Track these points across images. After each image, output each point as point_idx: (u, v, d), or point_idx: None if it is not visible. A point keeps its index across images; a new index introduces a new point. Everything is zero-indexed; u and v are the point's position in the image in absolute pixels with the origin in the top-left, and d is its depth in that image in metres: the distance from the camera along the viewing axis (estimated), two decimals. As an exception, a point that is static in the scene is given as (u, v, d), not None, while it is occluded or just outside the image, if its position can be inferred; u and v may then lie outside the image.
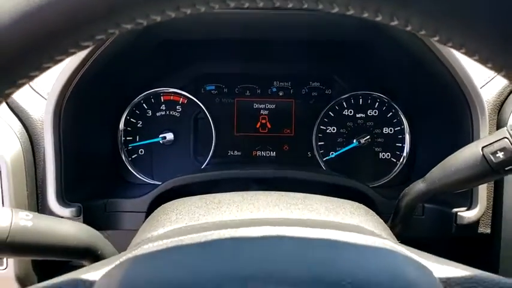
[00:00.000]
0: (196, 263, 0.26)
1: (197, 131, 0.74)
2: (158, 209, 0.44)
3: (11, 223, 0.38)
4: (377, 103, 0.74)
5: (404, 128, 0.73)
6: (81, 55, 0.54)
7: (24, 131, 0.56)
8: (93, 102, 0.62)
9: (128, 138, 0.73)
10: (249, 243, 0.28)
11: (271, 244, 0.28)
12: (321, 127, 0.74)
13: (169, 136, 0.72)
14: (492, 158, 0.41)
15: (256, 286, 0.23)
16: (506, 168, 0.41)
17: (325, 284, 0.24)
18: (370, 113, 0.74)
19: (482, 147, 0.43)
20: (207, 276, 0.24)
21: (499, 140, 0.42)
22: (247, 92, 0.75)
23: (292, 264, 0.25)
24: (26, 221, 0.38)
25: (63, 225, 0.41)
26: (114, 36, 0.22)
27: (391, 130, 0.74)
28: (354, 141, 0.73)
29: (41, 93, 0.60)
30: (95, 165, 0.65)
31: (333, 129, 0.74)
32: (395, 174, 0.73)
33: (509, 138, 0.41)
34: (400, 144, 0.73)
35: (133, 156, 0.73)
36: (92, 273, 0.29)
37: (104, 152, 0.70)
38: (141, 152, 0.73)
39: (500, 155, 0.41)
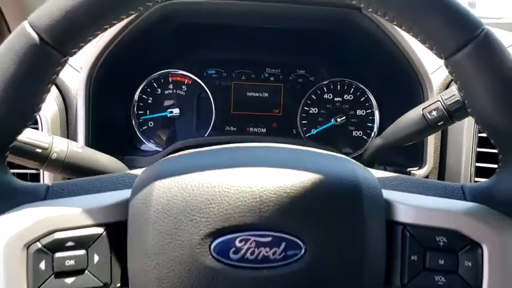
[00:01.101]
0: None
1: (199, 108, 0.87)
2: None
3: (68, 148, 0.50)
4: (352, 89, 0.87)
5: (374, 111, 0.87)
6: (109, 35, 0.67)
7: (60, 95, 0.69)
8: (115, 77, 0.75)
9: (139, 111, 0.86)
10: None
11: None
12: (305, 108, 0.87)
13: (176, 111, 0.85)
14: (428, 115, 0.55)
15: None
16: (438, 124, 0.55)
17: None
18: (346, 97, 0.88)
19: (422, 109, 0.56)
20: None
21: (434, 102, 0.55)
22: (243, 76, 0.88)
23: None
24: (77, 148, 0.51)
25: (104, 156, 0.53)
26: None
27: (363, 112, 0.87)
28: (332, 120, 0.86)
29: (74, 66, 0.72)
30: (113, 130, 0.78)
31: (315, 110, 0.88)
32: (366, 148, 0.86)
33: (441, 101, 0.54)
34: (371, 124, 0.87)
35: (143, 128, 0.85)
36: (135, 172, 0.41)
37: (120, 121, 0.83)
38: (151, 124, 0.86)
39: (434, 113, 0.55)
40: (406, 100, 0.74)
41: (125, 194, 0.37)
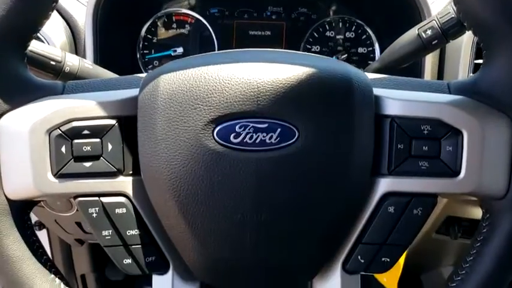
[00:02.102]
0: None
1: (202, 46, 0.89)
2: None
3: (79, 63, 0.53)
4: (354, 26, 0.89)
5: (375, 48, 0.89)
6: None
7: (68, 27, 0.71)
8: (120, 15, 0.77)
9: (145, 51, 0.88)
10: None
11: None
12: (307, 46, 0.89)
13: (179, 50, 0.88)
14: (423, 35, 0.57)
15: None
16: (433, 43, 0.57)
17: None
18: (347, 35, 0.89)
19: (418, 29, 0.58)
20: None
21: (429, 22, 0.57)
22: (245, 15, 0.90)
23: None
24: (88, 64, 0.54)
25: (114, 75, 0.57)
26: None
27: (364, 50, 0.89)
28: (334, 58, 0.88)
29: (80, 0, 0.75)
30: (119, 70, 0.80)
31: (317, 48, 0.90)
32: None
33: (436, 20, 0.56)
34: (372, 62, 0.89)
35: (149, 67, 0.88)
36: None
37: (126, 61, 0.85)
38: (156, 63, 0.89)
39: (429, 32, 0.56)
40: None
41: (135, 91, 0.41)
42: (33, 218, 1.08)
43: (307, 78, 0.38)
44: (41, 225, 1.09)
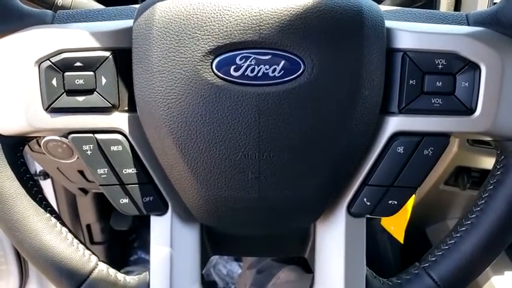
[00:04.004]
0: None
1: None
2: None
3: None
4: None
5: None
6: None
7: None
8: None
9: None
10: None
11: None
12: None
13: None
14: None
15: None
16: None
17: None
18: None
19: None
20: None
21: None
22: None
23: None
24: None
25: None
26: None
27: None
28: None
29: None
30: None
31: None
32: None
33: None
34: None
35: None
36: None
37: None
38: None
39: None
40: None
41: (130, 22, 0.38)
42: (38, 167, 1.08)
43: (314, 6, 0.35)
44: (45, 175, 1.09)
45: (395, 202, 0.39)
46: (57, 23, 0.39)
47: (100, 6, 0.55)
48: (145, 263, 1.38)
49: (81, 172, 0.87)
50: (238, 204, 0.39)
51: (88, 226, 1.19)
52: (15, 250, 1.15)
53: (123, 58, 0.38)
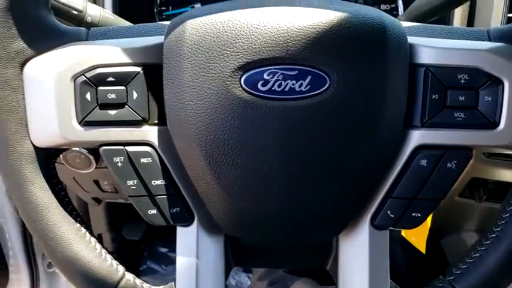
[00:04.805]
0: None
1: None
2: None
3: (100, 13, 0.52)
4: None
5: (398, 5, 0.85)
6: None
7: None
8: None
9: (162, 8, 0.86)
10: None
11: None
12: (328, 3, 0.86)
13: (197, 6, 0.85)
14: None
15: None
16: None
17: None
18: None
19: (451, -22, 0.55)
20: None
21: None
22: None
23: None
24: (109, 14, 0.53)
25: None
26: None
27: (387, 7, 0.86)
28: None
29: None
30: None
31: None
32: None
33: None
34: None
35: (166, 24, 0.86)
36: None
37: (143, 18, 0.83)
38: (173, 20, 0.86)
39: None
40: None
41: (160, 38, 0.39)
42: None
43: (340, 24, 0.36)
44: (58, 185, 1.10)
45: (419, 214, 0.40)
46: (91, 39, 0.40)
47: (126, 23, 0.57)
48: (154, 273, 1.39)
49: (96, 182, 0.88)
50: (264, 215, 0.40)
51: (99, 235, 1.20)
52: (27, 259, 1.16)
53: (153, 73, 0.39)
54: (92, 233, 0.43)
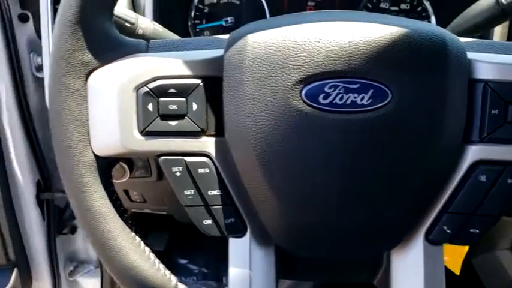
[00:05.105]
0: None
1: (254, 16, 0.87)
2: None
3: (152, 26, 0.53)
4: (409, -2, 0.86)
5: (431, 21, 0.85)
6: None
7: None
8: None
9: (196, 21, 0.87)
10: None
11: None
12: (360, 18, 0.87)
13: (231, 20, 0.87)
14: (503, 0, 0.54)
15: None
16: None
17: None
18: (402, 7, 0.86)
19: (495, -6, 0.55)
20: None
21: None
22: (298, -16, 0.88)
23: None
24: (159, 27, 0.54)
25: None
26: None
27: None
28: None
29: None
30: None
31: (370, 20, 0.87)
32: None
33: None
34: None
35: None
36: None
37: (178, 30, 0.85)
38: (207, 33, 0.88)
39: (510, -4, 0.54)
40: (465, 8, 0.73)
41: (219, 51, 0.40)
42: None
43: (401, 38, 0.37)
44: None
45: (477, 231, 0.39)
46: (151, 51, 0.41)
47: (174, 36, 0.58)
48: (173, 285, 1.38)
49: (126, 191, 0.89)
50: (319, 228, 0.40)
51: (122, 246, 1.20)
52: (50, 267, 1.16)
53: (212, 85, 0.40)
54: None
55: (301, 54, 0.37)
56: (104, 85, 0.39)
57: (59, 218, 1.20)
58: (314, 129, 0.37)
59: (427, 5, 0.85)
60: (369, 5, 0.86)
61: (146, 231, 1.22)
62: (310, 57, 0.37)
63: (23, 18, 0.90)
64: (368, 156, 0.37)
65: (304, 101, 0.37)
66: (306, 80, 0.37)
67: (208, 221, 0.41)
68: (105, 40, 0.39)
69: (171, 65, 0.39)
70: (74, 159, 0.39)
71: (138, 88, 0.38)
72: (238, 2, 0.87)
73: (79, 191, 0.40)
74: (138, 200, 0.92)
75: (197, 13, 0.87)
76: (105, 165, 0.41)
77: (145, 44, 0.42)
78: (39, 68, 0.93)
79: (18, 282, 1.12)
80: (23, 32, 0.90)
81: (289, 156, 0.38)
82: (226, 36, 0.42)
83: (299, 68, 0.37)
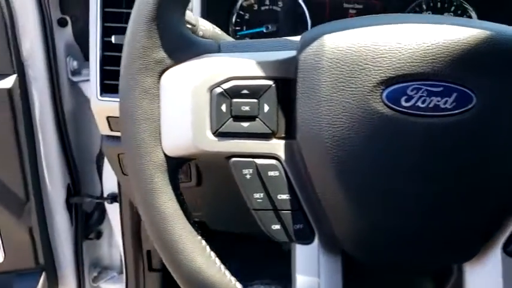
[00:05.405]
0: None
1: (295, 23, 0.87)
2: None
3: (211, 28, 0.53)
4: (453, 6, 0.85)
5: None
6: None
7: None
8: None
9: (236, 27, 0.87)
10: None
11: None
12: (402, 26, 0.86)
13: (272, 27, 0.86)
14: None
15: None
16: None
17: None
18: (445, 15, 0.85)
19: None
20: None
21: None
22: (339, -7, 0.87)
23: None
24: (217, 30, 0.54)
25: None
26: None
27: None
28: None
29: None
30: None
31: (412, 29, 0.86)
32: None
33: None
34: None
35: (240, 43, 0.87)
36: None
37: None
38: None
39: None
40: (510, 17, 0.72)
41: (291, 53, 0.39)
42: (109, 190, 1.10)
43: (485, 41, 0.36)
44: (113, 199, 1.10)
45: None
46: (223, 52, 0.41)
47: (230, 38, 0.57)
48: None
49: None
50: (394, 235, 0.39)
51: (148, 252, 1.19)
52: (76, 272, 1.16)
53: (283, 87, 0.39)
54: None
55: (383, 56, 0.36)
56: (177, 84, 0.38)
57: (86, 223, 1.19)
58: (395, 132, 0.36)
59: (472, 13, 0.84)
60: (412, 13, 0.86)
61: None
62: (392, 59, 0.36)
63: (62, 23, 0.91)
64: (450, 161, 0.36)
65: (385, 104, 0.36)
66: (387, 82, 0.36)
67: (277, 226, 0.40)
68: (180, 39, 0.39)
69: (245, 66, 0.38)
70: (144, 159, 0.39)
71: (212, 88, 0.38)
72: (279, 9, 0.87)
73: (149, 191, 0.39)
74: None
75: (238, 19, 0.87)
76: (175, 166, 0.40)
77: (217, 45, 0.41)
78: (75, 72, 0.94)
79: (46, 287, 1.11)
80: (62, 37, 0.91)
81: (366, 160, 0.37)
82: (296, 38, 0.42)
83: (380, 70, 0.36)
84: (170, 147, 0.39)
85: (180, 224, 0.40)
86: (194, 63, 0.39)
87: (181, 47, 0.39)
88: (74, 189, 1.09)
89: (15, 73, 0.86)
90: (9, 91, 0.85)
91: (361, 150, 0.36)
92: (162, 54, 0.38)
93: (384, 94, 0.36)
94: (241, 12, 0.87)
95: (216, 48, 0.41)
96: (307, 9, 0.86)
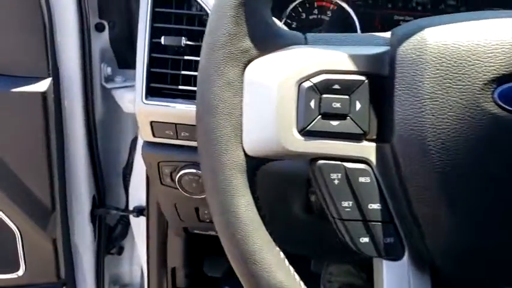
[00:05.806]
0: None
1: (345, 32, 0.84)
2: None
3: None
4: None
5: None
6: None
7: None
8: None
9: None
10: None
11: None
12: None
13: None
14: None
15: None
16: None
17: None
18: None
19: None
20: None
21: None
22: (389, 4, 0.84)
23: None
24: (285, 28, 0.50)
25: None
26: None
27: None
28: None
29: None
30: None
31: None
32: None
33: None
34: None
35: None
36: None
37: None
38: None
39: None
40: None
41: (383, 48, 0.36)
42: (136, 203, 1.05)
43: None
44: (139, 212, 1.06)
45: None
46: (310, 44, 0.37)
47: None
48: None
49: (197, 210, 0.84)
50: (498, 251, 0.34)
51: (173, 269, 1.14)
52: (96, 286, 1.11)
53: (376, 84, 0.35)
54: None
55: (495, 51, 0.32)
56: (263, 77, 0.35)
57: (108, 237, 1.15)
58: (508, 136, 0.32)
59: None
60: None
61: (202, 256, 1.15)
62: (505, 55, 0.32)
63: (100, 28, 0.89)
64: None
65: (496, 103, 0.32)
66: (500, 80, 0.32)
67: (366, 239, 0.35)
68: (266, 28, 0.36)
69: (336, 59, 0.35)
70: (223, 158, 0.35)
71: (300, 82, 0.34)
72: (327, 18, 0.84)
73: (226, 194, 0.35)
74: (207, 220, 0.86)
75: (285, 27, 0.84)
76: (254, 167, 0.36)
77: (304, 37, 0.38)
78: (108, 79, 0.91)
79: (65, 302, 1.07)
80: (98, 42, 0.89)
81: (475, 166, 0.32)
82: (384, 34, 0.38)
83: (492, 66, 0.32)
84: (251, 146, 0.35)
85: (260, 232, 0.35)
86: (282, 55, 0.35)
87: (269, 36, 0.36)
88: (99, 201, 1.05)
89: (50, 76, 0.83)
90: (43, 94, 0.82)
91: (469, 156, 0.32)
92: (248, 43, 0.35)
93: (496, 93, 0.32)
94: (288, 20, 0.84)
95: (303, 40, 0.38)
96: (357, 19, 0.83)
